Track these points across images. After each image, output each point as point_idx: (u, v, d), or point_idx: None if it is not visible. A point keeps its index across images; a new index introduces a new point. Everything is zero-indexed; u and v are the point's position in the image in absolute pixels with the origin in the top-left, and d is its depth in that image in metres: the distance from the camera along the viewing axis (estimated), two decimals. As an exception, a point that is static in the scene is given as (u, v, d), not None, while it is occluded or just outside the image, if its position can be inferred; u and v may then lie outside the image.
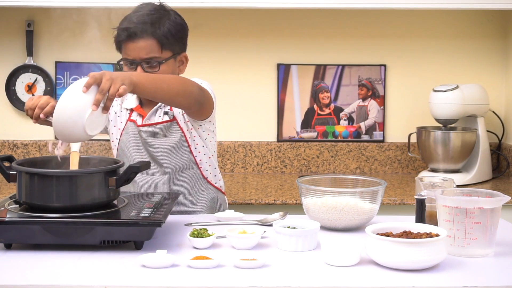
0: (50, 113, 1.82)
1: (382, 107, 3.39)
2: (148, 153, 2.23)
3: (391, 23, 3.38)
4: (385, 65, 3.38)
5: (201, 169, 2.25)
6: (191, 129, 2.22)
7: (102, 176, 1.77)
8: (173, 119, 2.21)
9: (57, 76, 3.34)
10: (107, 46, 3.34)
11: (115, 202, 1.85)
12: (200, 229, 1.77)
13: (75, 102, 1.75)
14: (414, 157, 3.36)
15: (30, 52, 3.31)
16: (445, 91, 3.09)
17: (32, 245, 1.74)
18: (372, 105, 3.39)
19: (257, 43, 3.37)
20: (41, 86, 3.33)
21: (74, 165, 1.90)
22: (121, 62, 2.20)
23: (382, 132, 3.40)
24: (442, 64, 3.40)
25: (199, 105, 2.12)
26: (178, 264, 1.61)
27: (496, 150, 3.37)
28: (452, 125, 3.17)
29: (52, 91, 3.33)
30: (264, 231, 1.83)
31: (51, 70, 3.35)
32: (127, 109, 2.29)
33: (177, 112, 2.22)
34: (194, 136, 2.23)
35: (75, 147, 1.95)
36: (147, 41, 2.14)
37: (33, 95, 3.32)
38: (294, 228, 1.80)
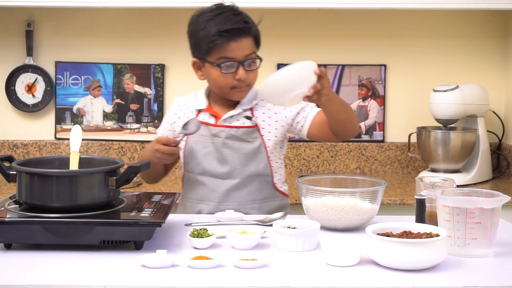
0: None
1: (382, 107, 3.39)
2: (218, 155, 2.19)
3: (391, 23, 3.38)
4: (385, 65, 3.38)
5: (273, 176, 2.24)
6: (281, 134, 2.22)
7: (102, 176, 1.77)
8: (255, 126, 2.20)
9: (57, 76, 3.34)
10: (107, 46, 3.37)
11: (115, 202, 1.85)
12: (200, 229, 1.77)
13: (297, 73, 1.92)
14: (414, 157, 3.36)
15: (30, 52, 3.31)
16: (445, 91, 3.09)
17: (32, 245, 1.74)
18: (372, 105, 3.39)
19: (257, 43, 3.36)
20: (41, 86, 3.33)
21: (74, 165, 1.90)
22: (221, 63, 2.13)
23: (382, 132, 3.40)
24: (442, 64, 3.40)
25: (351, 136, 2.23)
26: (178, 264, 1.61)
27: (496, 150, 3.37)
28: (452, 125, 3.17)
29: (52, 91, 3.33)
30: (264, 231, 1.83)
31: (51, 70, 3.35)
32: (196, 109, 2.25)
33: (260, 120, 2.21)
34: (276, 144, 2.22)
35: (75, 147, 1.95)
36: (249, 39, 2.17)
37: (33, 95, 3.32)
38: (294, 228, 1.79)
